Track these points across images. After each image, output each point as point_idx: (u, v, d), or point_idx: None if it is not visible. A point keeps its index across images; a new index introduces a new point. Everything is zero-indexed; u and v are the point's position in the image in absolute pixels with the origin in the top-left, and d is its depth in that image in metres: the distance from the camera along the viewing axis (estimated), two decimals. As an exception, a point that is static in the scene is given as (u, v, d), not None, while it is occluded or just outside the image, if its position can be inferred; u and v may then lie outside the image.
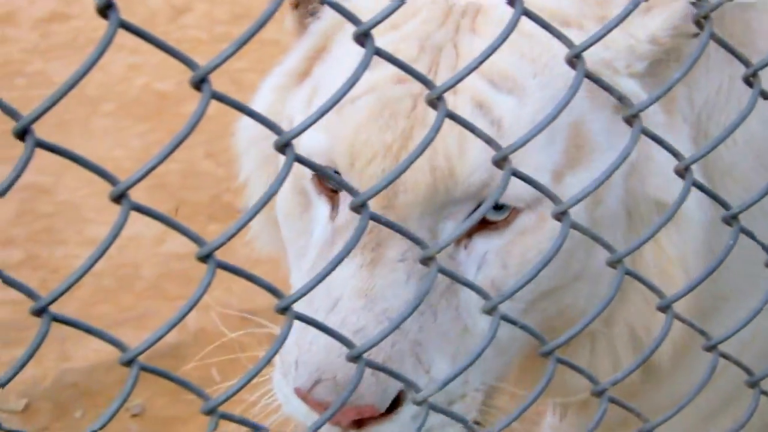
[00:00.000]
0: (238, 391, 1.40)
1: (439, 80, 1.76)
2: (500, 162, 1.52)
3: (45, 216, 4.73)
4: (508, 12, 1.73)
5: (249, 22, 1.31)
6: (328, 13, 2.07)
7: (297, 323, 1.44)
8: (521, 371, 2.18)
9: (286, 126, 1.95)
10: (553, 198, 1.64)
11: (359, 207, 1.40)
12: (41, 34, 5.87)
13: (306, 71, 2.06)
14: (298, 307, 1.72)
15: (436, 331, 1.81)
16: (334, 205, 1.93)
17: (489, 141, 1.55)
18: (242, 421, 1.49)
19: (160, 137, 5.17)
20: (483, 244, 1.86)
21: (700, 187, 1.83)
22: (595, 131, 1.90)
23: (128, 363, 1.32)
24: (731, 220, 1.84)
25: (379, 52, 1.37)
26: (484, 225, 1.85)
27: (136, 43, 1.39)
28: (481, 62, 1.47)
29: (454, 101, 1.79)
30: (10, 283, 1.24)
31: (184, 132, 1.27)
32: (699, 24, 1.73)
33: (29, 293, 1.26)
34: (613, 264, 1.73)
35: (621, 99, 1.71)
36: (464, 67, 1.47)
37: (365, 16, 1.89)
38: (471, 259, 1.86)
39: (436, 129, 1.44)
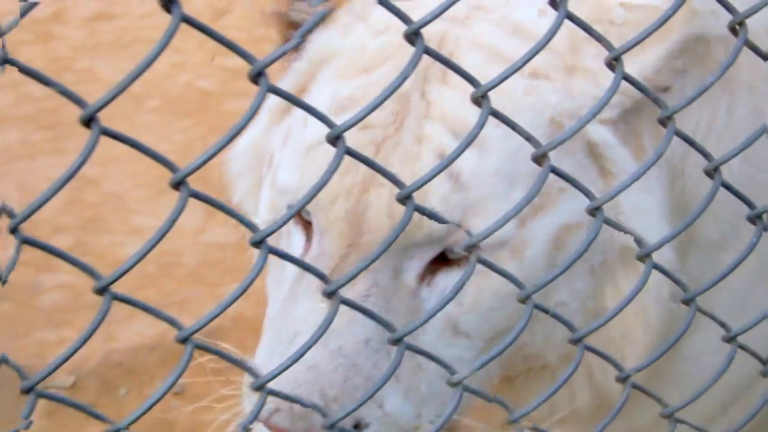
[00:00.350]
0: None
1: (406, 127, 1.82)
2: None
3: (92, 206, 4.76)
4: (480, 61, 1.82)
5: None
6: (309, 54, 2.04)
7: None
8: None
9: (267, 161, 2.05)
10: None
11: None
12: (88, 32, 5.90)
13: (287, 109, 2.04)
14: (266, 336, 1.84)
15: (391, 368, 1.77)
16: (309, 237, 1.92)
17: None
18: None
19: (203, 133, 5.20)
20: (444, 280, 1.84)
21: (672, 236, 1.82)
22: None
23: (184, 341, 1.33)
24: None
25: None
26: (447, 263, 1.84)
27: (180, 42, 1.40)
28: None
29: (418, 150, 1.80)
30: (75, 263, 1.25)
31: (242, 123, 1.28)
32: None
33: (92, 273, 1.26)
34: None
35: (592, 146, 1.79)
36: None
37: (345, 56, 1.96)
38: (433, 295, 1.83)
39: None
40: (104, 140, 1.20)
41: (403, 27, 1.78)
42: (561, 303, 1.92)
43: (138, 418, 1.31)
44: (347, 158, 1.66)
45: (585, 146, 1.87)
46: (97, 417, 1.34)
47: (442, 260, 1.84)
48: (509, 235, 1.80)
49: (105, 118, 1.16)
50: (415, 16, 1.42)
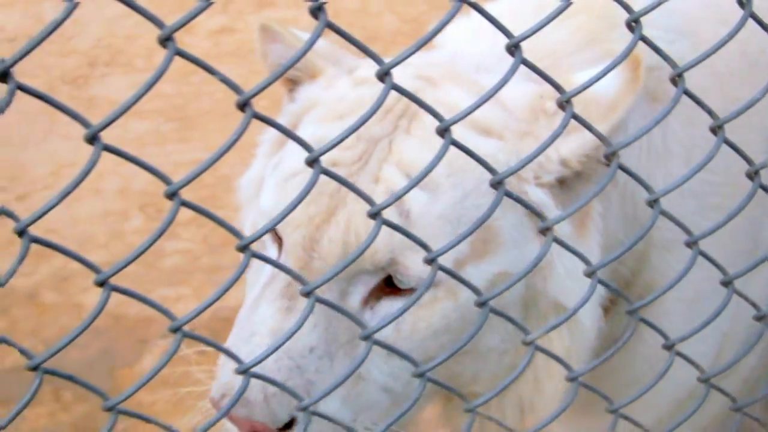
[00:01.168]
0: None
1: (368, 169, 1.84)
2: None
3: (209, 185, 4.85)
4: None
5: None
6: (297, 102, 2.07)
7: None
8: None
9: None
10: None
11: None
12: (213, 43, 6.05)
13: (282, 142, 2.05)
14: (233, 332, 1.88)
15: (331, 375, 1.78)
16: (281, 251, 1.92)
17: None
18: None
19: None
20: (387, 306, 1.82)
21: (606, 285, 1.84)
22: (503, 228, 1.84)
23: (174, 331, 1.39)
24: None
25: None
26: (392, 291, 1.83)
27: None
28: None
29: (373, 189, 1.81)
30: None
31: (225, 147, 1.33)
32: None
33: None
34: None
35: (536, 213, 1.74)
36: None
37: (326, 104, 2.00)
38: (374, 318, 1.81)
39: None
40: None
41: (375, 82, 1.86)
42: (491, 347, 1.94)
43: (126, 398, 1.37)
44: (316, 191, 1.73)
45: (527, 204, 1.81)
46: (93, 389, 1.39)
47: (389, 287, 1.82)
48: (444, 276, 1.71)
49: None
50: (395, 71, 1.46)
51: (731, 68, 2.14)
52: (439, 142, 1.59)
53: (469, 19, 2.10)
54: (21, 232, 1.19)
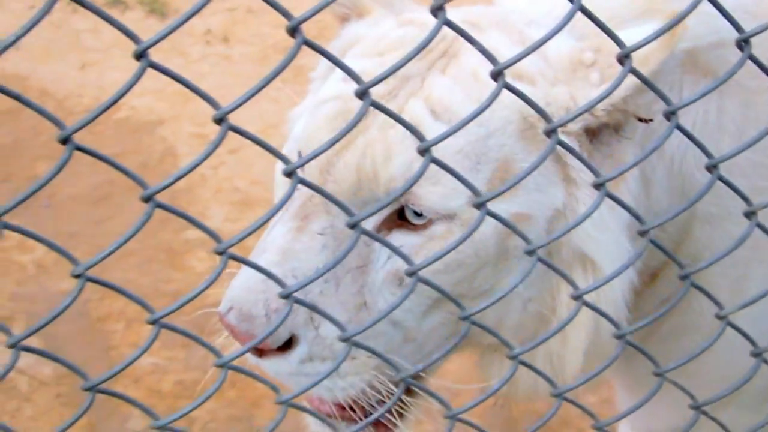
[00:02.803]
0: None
1: (396, 102, 1.80)
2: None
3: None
4: (479, 64, 1.79)
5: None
6: (347, 33, 2.10)
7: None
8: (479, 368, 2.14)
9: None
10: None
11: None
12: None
13: (327, 78, 2.04)
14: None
15: (335, 299, 1.78)
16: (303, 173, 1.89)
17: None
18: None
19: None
20: (399, 239, 1.80)
21: (658, 246, 1.76)
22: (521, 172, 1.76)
23: (153, 322, 1.36)
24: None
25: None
26: (404, 224, 1.81)
27: None
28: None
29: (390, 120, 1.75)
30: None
31: (199, 158, 1.31)
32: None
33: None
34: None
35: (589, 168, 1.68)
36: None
37: (368, 41, 2.00)
38: (385, 248, 1.80)
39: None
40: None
41: (425, 23, 1.93)
42: (513, 291, 1.84)
43: (105, 380, 1.37)
44: (341, 118, 1.82)
45: (551, 156, 1.77)
46: (72, 368, 1.37)
47: (401, 220, 1.81)
48: (461, 209, 1.75)
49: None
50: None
51: None
52: (470, 82, 1.76)
53: None
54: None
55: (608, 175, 1.67)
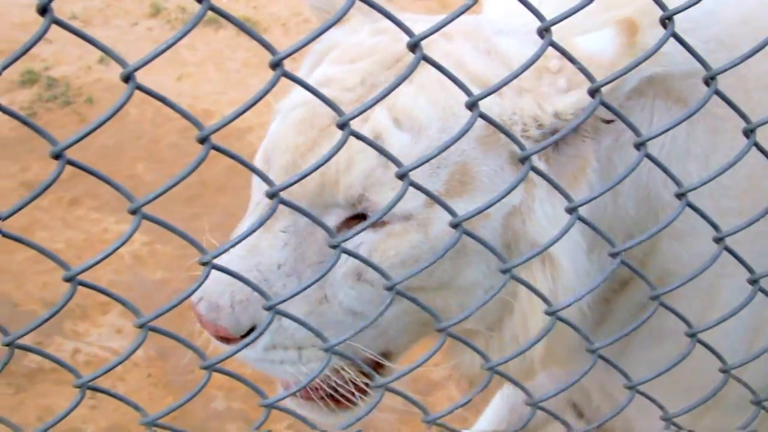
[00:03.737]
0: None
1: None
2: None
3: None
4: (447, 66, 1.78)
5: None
6: (323, 43, 2.10)
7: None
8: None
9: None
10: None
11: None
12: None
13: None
14: None
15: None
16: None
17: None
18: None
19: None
20: (359, 236, 1.84)
21: (588, 224, 1.77)
22: (483, 173, 1.86)
23: (141, 326, 1.41)
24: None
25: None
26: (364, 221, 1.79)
27: None
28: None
29: (360, 127, 1.81)
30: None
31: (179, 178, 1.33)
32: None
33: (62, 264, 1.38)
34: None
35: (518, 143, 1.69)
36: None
37: (343, 47, 2.02)
38: (347, 246, 1.78)
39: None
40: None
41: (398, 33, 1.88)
42: (474, 282, 1.94)
43: (93, 379, 1.44)
44: (307, 123, 1.87)
45: (508, 155, 1.87)
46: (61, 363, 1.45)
47: (363, 219, 1.84)
48: (416, 210, 1.80)
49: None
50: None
51: (761, 83, 2.09)
52: (436, 90, 1.80)
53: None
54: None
55: (580, 201, 1.74)
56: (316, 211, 1.85)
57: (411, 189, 1.65)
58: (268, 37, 6.18)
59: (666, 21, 1.63)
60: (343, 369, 1.93)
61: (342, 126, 1.44)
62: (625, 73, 1.66)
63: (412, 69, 1.46)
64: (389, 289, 1.63)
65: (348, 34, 2.09)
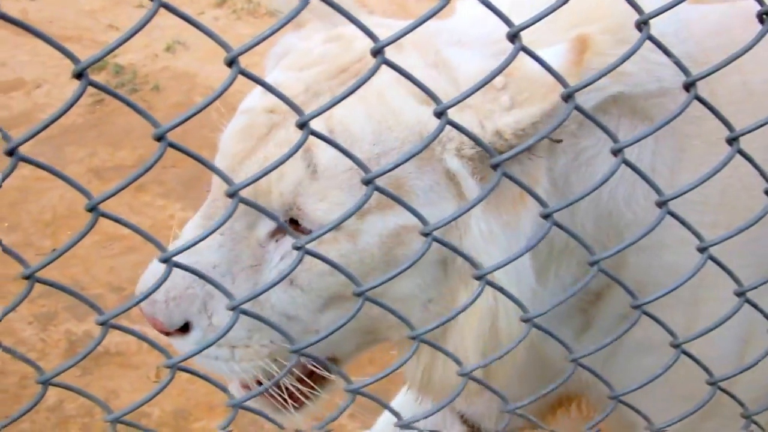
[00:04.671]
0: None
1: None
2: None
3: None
4: (388, 84, 1.83)
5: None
6: (280, 46, 2.12)
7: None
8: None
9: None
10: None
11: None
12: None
13: None
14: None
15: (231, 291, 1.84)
16: None
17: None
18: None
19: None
20: (290, 242, 1.81)
21: (565, 230, 1.73)
22: (417, 187, 1.85)
23: (102, 323, 1.39)
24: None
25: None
26: (297, 229, 1.86)
27: None
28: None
29: (294, 137, 1.79)
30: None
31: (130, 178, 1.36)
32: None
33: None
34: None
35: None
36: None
37: (296, 54, 2.02)
38: (277, 251, 1.88)
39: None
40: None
41: (351, 39, 1.94)
42: (409, 294, 1.93)
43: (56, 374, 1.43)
44: (248, 130, 1.90)
45: (444, 171, 1.85)
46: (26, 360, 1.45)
47: (295, 225, 1.87)
48: (345, 222, 1.73)
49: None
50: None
51: (732, 98, 2.06)
52: (374, 102, 1.80)
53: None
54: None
55: (555, 207, 1.70)
56: (252, 216, 1.88)
57: (338, 202, 1.73)
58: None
59: (642, 25, 1.58)
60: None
61: (301, 126, 1.42)
62: (576, 91, 1.59)
63: (372, 73, 1.43)
64: (358, 295, 1.62)
65: (302, 39, 2.09)
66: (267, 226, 1.89)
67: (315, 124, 1.77)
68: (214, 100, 1.34)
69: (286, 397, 1.99)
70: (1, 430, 1.45)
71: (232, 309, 1.53)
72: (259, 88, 1.98)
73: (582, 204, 1.99)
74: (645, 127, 1.99)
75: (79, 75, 1.22)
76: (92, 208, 1.28)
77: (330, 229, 1.56)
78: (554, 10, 1.51)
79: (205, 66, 6.11)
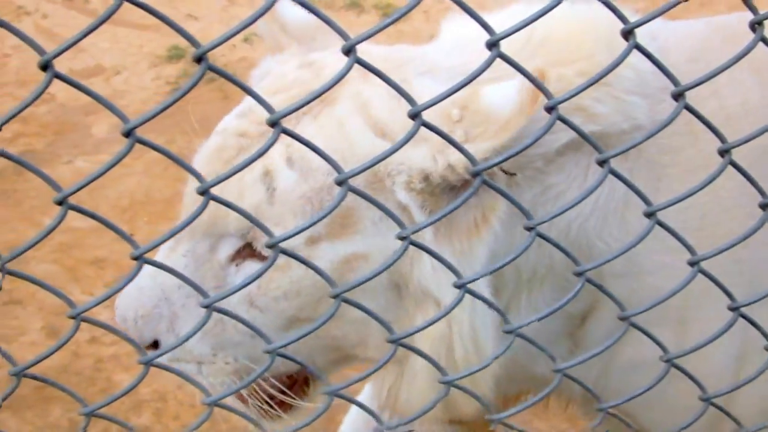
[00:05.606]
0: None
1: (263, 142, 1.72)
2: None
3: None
4: (350, 113, 1.86)
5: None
6: (263, 66, 2.15)
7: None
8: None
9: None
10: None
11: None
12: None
13: None
14: None
15: (195, 313, 1.91)
16: None
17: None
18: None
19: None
20: (250, 267, 1.91)
21: (550, 241, 1.71)
22: (367, 218, 1.86)
23: (74, 317, 1.42)
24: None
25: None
26: (254, 254, 1.90)
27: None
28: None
29: (258, 162, 1.77)
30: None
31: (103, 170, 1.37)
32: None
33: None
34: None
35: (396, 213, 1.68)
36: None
37: (273, 77, 2.04)
38: (238, 275, 1.91)
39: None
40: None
41: (323, 66, 1.98)
42: (363, 317, 1.87)
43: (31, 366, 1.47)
44: (218, 152, 1.94)
45: (395, 202, 1.85)
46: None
47: (254, 250, 1.91)
48: (297, 248, 1.82)
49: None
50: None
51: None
52: (334, 132, 1.84)
53: (465, 27, 2.07)
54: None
55: (469, 278, 1.67)
56: (212, 239, 1.93)
57: (292, 227, 1.73)
58: (409, 25, 6.22)
59: (627, 35, 1.54)
60: (254, 392, 2.01)
61: (272, 124, 1.42)
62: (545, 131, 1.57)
63: (343, 74, 1.42)
64: (335, 297, 1.61)
65: (279, 63, 2.12)
66: (227, 249, 1.93)
67: (276, 150, 1.85)
68: (185, 93, 1.34)
69: (266, 405, 2.04)
70: (101, 408, 1.48)
71: (206, 307, 1.54)
72: (234, 111, 2.02)
73: (549, 234, 1.91)
74: (618, 160, 1.94)
75: (198, 59, 1.30)
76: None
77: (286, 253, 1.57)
78: (534, 20, 1.47)
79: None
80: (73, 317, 1.42)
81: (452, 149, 1.76)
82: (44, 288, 1.43)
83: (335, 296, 1.60)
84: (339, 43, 1.99)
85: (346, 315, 1.88)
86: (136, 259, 1.42)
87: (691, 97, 1.60)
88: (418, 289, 1.90)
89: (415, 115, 1.48)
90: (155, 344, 1.96)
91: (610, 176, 1.63)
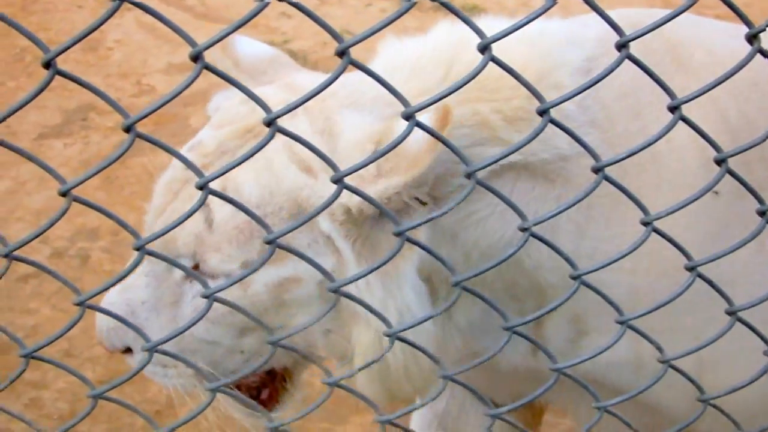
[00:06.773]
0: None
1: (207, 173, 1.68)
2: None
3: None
4: (278, 150, 1.93)
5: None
6: (215, 99, 2.21)
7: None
8: None
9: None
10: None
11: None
12: None
13: None
14: None
15: (157, 325, 2.02)
16: None
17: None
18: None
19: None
20: (192, 288, 2.01)
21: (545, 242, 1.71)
22: (295, 245, 1.88)
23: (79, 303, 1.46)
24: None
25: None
26: (206, 274, 1.97)
27: None
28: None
29: (196, 194, 1.67)
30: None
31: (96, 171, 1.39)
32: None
33: None
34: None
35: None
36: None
37: (222, 112, 2.11)
38: (191, 291, 2.01)
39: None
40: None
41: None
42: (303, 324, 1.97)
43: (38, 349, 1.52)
44: (167, 186, 2.03)
45: (320, 231, 1.93)
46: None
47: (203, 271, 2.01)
48: (233, 272, 1.94)
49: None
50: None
51: (635, 160, 1.84)
52: (263, 169, 1.92)
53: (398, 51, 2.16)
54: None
55: (533, 220, 1.67)
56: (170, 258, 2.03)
57: (229, 254, 1.93)
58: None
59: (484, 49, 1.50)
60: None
61: (201, 187, 1.48)
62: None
63: (266, 142, 1.47)
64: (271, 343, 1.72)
65: (227, 98, 2.18)
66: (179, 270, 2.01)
67: (215, 185, 1.74)
68: (176, 96, 1.35)
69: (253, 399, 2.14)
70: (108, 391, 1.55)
71: (148, 350, 1.65)
72: (187, 144, 2.09)
73: (500, 267, 1.86)
74: (545, 187, 2.02)
75: (194, 58, 1.33)
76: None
77: (234, 282, 1.67)
78: (526, 23, 1.48)
79: (371, 54, 6.14)
80: (78, 304, 1.46)
81: (366, 183, 1.83)
82: (51, 275, 1.49)
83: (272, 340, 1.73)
84: (285, 76, 2.18)
85: (290, 324, 1.99)
86: (138, 249, 1.49)
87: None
88: (349, 310, 1.95)
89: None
90: (129, 350, 2.08)
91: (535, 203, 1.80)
